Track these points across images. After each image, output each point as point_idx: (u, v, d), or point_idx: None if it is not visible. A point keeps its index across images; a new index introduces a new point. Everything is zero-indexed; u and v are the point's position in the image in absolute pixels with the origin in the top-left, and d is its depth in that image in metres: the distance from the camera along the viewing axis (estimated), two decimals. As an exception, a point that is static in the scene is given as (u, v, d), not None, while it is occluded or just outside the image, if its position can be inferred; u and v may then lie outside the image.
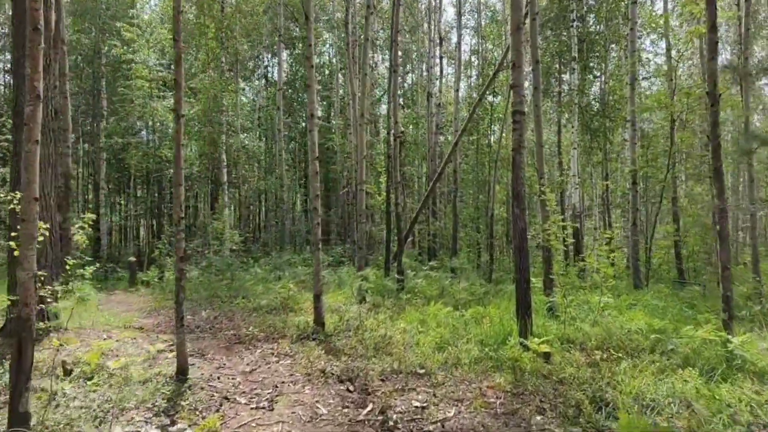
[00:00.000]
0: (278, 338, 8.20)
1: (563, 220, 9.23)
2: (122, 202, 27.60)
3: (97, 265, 19.82)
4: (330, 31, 32.55)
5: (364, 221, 11.96)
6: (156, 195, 27.69)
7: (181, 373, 5.54)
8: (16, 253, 6.16)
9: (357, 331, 8.27)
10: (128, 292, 16.04)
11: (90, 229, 14.71)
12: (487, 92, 18.71)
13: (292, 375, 6.16)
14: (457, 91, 20.54)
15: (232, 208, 30.37)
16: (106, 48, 22.68)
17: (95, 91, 25.89)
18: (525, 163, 7.76)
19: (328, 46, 35.43)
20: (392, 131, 14.76)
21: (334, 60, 33.21)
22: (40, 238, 6.15)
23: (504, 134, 20.47)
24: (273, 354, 7.22)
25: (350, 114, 21.14)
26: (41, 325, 6.76)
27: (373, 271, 14.10)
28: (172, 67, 27.10)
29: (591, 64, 19.89)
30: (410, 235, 19.32)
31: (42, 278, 5.93)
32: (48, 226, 7.46)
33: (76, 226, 14.26)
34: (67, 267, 7.52)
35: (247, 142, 29.78)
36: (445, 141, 28.12)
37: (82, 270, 13.84)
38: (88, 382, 5.18)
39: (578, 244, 17.77)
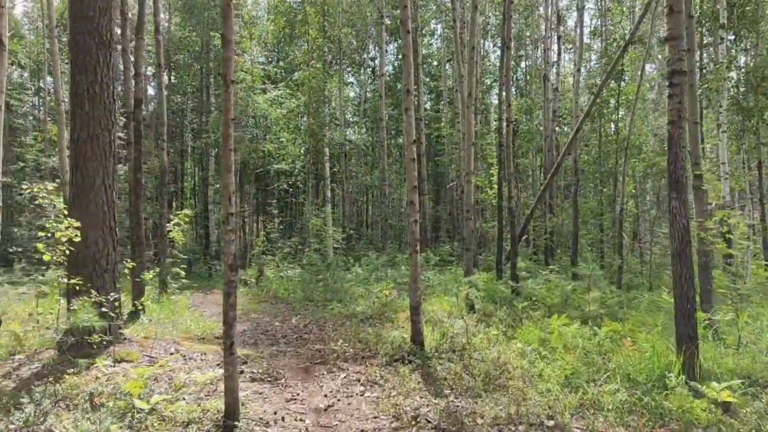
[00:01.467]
0: (368, 358, 6.84)
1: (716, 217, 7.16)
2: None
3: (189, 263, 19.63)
4: (437, 16, 31.04)
5: (472, 217, 10.36)
6: (262, 191, 27.58)
7: (230, 416, 4.25)
8: (47, 256, 5.25)
9: (463, 352, 6.73)
10: (227, 291, 15.48)
11: (187, 225, 14.27)
12: (614, 71, 16.36)
13: (376, 417, 4.75)
14: (578, 70, 18.28)
15: (340, 204, 29.73)
16: (214, 41, 22.50)
17: (203, 88, 26.14)
18: (685, 140, 5.88)
19: (436, 36, 34.10)
20: (504, 116, 13.03)
21: (441, 50, 31.72)
22: (57, 239, 5.19)
23: (633, 119, 17.93)
24: (359, 381, 5.86)
25: (458, 102, 19.52)
26: (95, 338, 5.84)
27: (483, 275, 12.47)
28: (279, 62, 26.87)
29: (742, 32, 16.90)
30: (525, 232, 17.44)
31: (77, 287, 5.00)
32: (110, 224, 6.59)
33: (172, 222, 13.83)
34: (127, 268, 6.59)
35: (352, 136, 29.01)
36: (561, 132, 25.76)
37: (177, 270, 13.39)
38: (112, 426, 4.05)
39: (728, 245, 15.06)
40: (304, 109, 21.49)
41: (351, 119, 34.47)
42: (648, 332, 7.16)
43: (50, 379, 4.98)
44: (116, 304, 6.15)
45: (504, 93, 13.33)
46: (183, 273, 13.40)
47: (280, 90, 20.58)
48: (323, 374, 6.18)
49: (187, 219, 14.03)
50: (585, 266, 10.04)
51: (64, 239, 4.89)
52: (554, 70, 23.80)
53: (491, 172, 18.76)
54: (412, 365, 6.28)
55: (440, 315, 9.20)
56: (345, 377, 6.02)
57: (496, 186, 15.80)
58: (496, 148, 16.70)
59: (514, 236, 12.63)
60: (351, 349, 7.31)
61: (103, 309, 5.89)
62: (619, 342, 6.92)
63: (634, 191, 22.38)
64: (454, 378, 5.78)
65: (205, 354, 6.67)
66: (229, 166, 4.16)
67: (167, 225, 13.57)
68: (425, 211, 26.78)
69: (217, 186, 29.88)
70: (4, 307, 8.82)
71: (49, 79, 22.24)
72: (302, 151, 22.26)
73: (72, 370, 5.10)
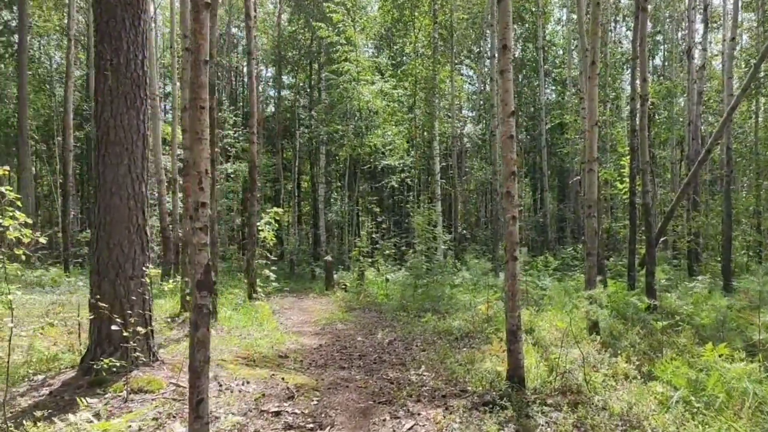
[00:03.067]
0: (450, 396, 5.26)
1: None
2: (340, 196, 26.99)
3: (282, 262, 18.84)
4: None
5: (595, 215, 8.37)
6: (374, 188, 26.59)
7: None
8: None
9: (577, 396, 4.96)
10: (323, 295, 14.46)
11: (276, 224, 13.38)
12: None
13: None
14: (732, 39, 15.24)
15: (453, 202, 28.14)
16: (321, 35, 21.82)
17: (314, 84, 25.83)
18: None
19: (561, 25, 31.71)
20: (638, 92, 10.82)
21: (566, 37, 29.24)
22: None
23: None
24: (427, 436, 4.31)
25: (583, 86, 17.15)
26: (105, 362, 4.76)
27: (610, 285, 10.36)
28: (388, 52, 25.75)
29: None
30: (663, 234, 14.84)
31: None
32: (138, 221, 5.55)
33: (263, 221, 12.99)
34: (148, 277, 5.54)
35: (468, 129, 27.32)
36: (705, 121, 22.35)
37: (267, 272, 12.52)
38: None
39: None
40: (411, 100, 20.13)
41: (469, 114, 32.71)
42: None
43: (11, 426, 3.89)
44: (132, 320, 5.05)
45: (638, 66, 11.13)
46: (273, 276, 12.53)
47: (387, 81, 19.34)
48: (384, 421, 4.68)
49: (278, 217, 13.17)
50: (748, 278, 7.73)
51: (26, 240, 3.83)
52: (699, 47, 20.58)
53: (622, 162, 16.29)
54: (503, 414, 4.60)
55: (554, 336, 7.40)
56: (411, 428, 4.49)
57: (627, 179, 13.50)
58: (628, 135, 14.35)
59: (650, 238, 10.42)
60: (431, 382, 5.76)
61: (113, 327, 4.82)
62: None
63: (803, 184, 18.78)
64: (561, 441, 4.07)
65: (247, 383, 5.42)
66: (200, 131, 2.80)
67: (258, 224, 12.73)
68: (546, 210, 24.52)
69: (337, 185, 29.41)
70: (54, 317, 8.18)
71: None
72: (409, 146, 20.83)
73: (39, 413, 3.95)
